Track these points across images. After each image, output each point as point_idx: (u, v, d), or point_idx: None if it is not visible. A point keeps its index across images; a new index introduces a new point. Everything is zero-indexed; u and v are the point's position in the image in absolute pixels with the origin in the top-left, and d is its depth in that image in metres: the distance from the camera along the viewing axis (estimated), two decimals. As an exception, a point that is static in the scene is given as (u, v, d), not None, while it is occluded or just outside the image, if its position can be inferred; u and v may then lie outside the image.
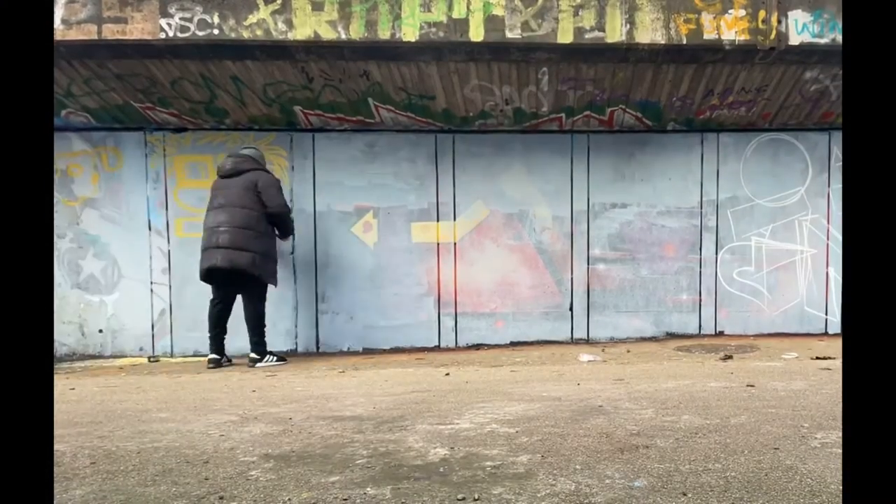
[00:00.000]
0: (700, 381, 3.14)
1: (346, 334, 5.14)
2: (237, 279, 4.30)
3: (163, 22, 3.92)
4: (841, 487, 1.48)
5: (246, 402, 2.85)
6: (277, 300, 4.91)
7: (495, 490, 1.51)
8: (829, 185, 5.18)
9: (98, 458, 1.90)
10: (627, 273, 5.21)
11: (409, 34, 3.96)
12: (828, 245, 5.21)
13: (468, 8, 3.95)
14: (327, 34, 3.96)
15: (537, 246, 5.19)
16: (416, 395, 2.92)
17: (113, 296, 5.06)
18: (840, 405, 2.40)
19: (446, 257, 5.15)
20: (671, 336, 5.21)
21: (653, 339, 5.18)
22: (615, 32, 4.00)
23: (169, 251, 5.04)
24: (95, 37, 3.92)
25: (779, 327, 5.21)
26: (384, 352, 5.04)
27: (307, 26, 3.95)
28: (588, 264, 5.20)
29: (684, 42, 4.02)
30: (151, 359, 4.93)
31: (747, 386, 2.93)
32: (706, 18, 4.00)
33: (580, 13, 3.98)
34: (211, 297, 4.40)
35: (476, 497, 1.46)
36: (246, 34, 3.95)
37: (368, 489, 1.54)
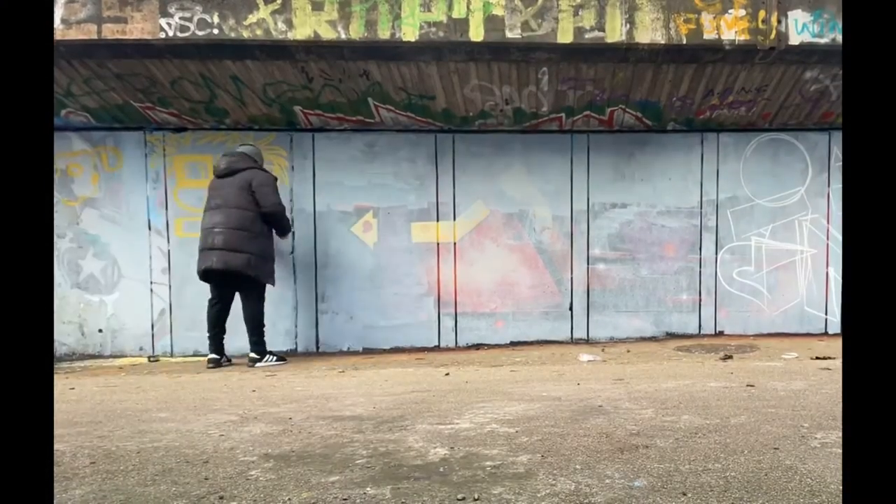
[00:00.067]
0: (700, 381, 3.14)
1: (346, 334, 5.13)
2: (233, 280, 4.31)
3: (163, 22, 3.92)
4: (841, 487, 1.48)
5: (246, 401, 2.85)
6: (277, 300, 4.91)
7: (495, 490, 1.51)
8: (829, 185, 5.18)
9: (98, 457, 1.90)
10: (627, 273, 5.21)
11: (409, 34, 3.96)
12: (828, 245, 5.21)
13: (468, 8, 3.95)
14: (327, 34, 3.96)
15: (537, 246, 5.19)
16: (416, 394, 2.93)
17: (113, 296, 5.06)
18: (840, 405, 2.40)
19: (446, 257, 5.15)
20: (671, 336, 5.21)
21: (653, 338, 5.18)
22: (615, 32, 4.00)
23: (169, 251, 5.04)
24: (95, 36, 3.92)
25: (779, 327, 5.21)
26: (384, 352, 5.04)
27: (307, 26, 3.95)
28: (588, 264, 5.20)
29: (684, 42, 4.02)
30: (151, 358, 4.93)
31: (747, 386, 2.93)
32: (706, 18, 4.00)
33: (580, 13, 3.98)
34: (210, 296, 4.41)
35: (476, 497, 1.46)
36: (246, 34, 3.95)
37: (368, 489, 1.54)
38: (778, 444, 1.88)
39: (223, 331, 4.40)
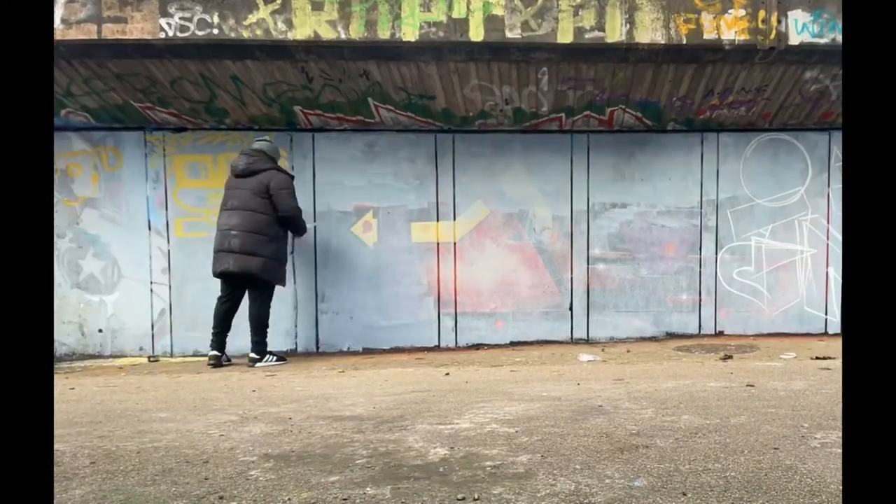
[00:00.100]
0: (700, 381, 3.14)
1: (346, 334, 5.13)
2: (248, 282, 4.36)
3: (162, 21, 3.92)
4: (841, 487, 1.48)
5: (246, 401, 2.85)
6: (277, 300, 4.90)
7: (495, 490, 1.51)
8: (828, 185, 5.18)
9: (98, 457, 1.90)
10: (627, 273, 5.21)
11: (409, 34, 3.96)
12: (828, 245, 5.21)
13: (468, 8, 3.95)
14: (327, 34, 3.96)
15: (537, 246, 5.19)
16: (416, 394, 2.93)
17: (113, 296, 5.06)
18: (840, 405, 2.41)
19: (446, 257, 5.15)
20: (671, 336, 5.21)
21: (653, 338, 5.18)
22: (615, 32, 4.00)
23: (169, 251, 5.04)
24: (95, 36, 3.92)
25: (779, 327, 5.21)
26: (384, 352, 5.04)
27: (307, 26, 3.95)
28: (588, 264, 5.20)
29: (684, 42, 4.02)
30: (151, 358, 4.93)
31: (747, 386, 2.93)
32: (706, 18, 4.00)
33: (580, 13, 3.98)
34: (219, 294, 4.42)
35: (476, 497, 1.46)
36: (246, 34, 3.95)
37: (368, 489, 1.54)
38: (778, 444, 1.88)
39: (228, 329, 4.41)
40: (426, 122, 4.96)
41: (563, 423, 2.23)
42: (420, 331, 5.15)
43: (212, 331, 4.38)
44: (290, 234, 4.67)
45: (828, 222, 5.20)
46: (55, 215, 4.93)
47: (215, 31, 3.94)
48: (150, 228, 5.03)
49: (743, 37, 4.02)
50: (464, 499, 1.45)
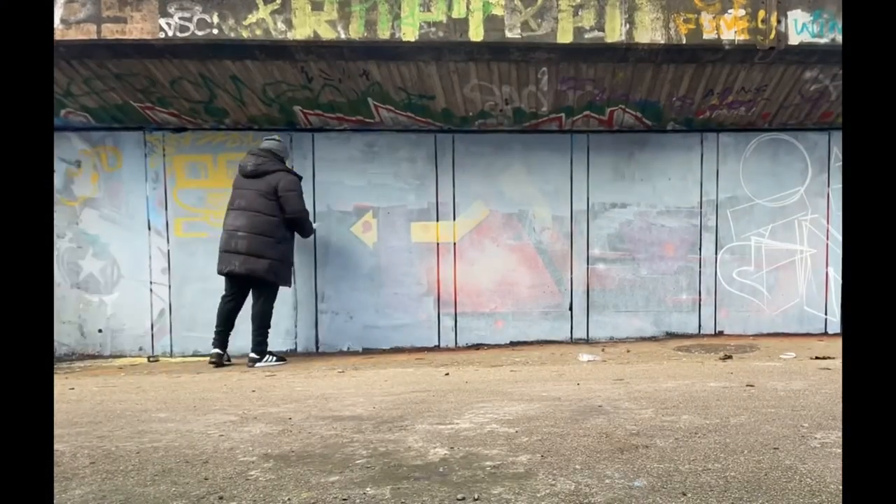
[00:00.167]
0: (700, 380, 3.14)
1: (346, 334, 5.13)
2: (253, 282, 4.38)
3: (162, 22, 3.91)
4: (841, 487, 1.48)
5: (245, 401, 2.85)
6: (277, 300, 4.90)
7: (495, 490, 1.51)
8: (828, 185, 5.18)
9: (97, 457, 1.90)
10: (627, 273, 5.21)
11: (409, 34, 3.96)
12: (827, 245, 5.21)
13: (468, 8, 3.95)
14: (327, 34, 3.96)
15: (537, 246, 5.19)
16: (416, 395, 2.92)
17: (112, 296, 5.05)
18: (840, 405, 2.41)
19: (446, 257, 5.15)
20: (671, 336, 5.21)
21: (652, 338, 5.18)
22: (615, 32, 4.00)
23: (168, 251, 5.04)
24: (95, 36, 3.92)
25: (778, 327, 5.21)
26: (384, 352, 5.04)
27: (307, 26, 3.95)
28: (588, 264, 5.20)
29: (684, 42, 4.02)
30: (151, 359, 4.93)
31: (747, 386, 2.93)
32: (706, 18, 4.00)
33: (580, 13, 3.98)
34: (223, 293, 4.42)
35: (476, 497, 1.46)
36: (245, 34, 3.95)
37: (368, 489, 1.54)
38: (778, 444, 1.88)
39: (231, 327, 4.42)
40: (426, 122, 4.96)
41: (563, 423, 2.23)
42: (420, 331, 5.15)
43: (214, 329, 4.38)
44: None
45: (827, 222, 5.20)
46: (55, 215, 4.93)
47: (215, 31, 3.93)
48: (149, 228, 5.03)
49: (743, 37, 4.02)
50: (464, 499, 1.45)
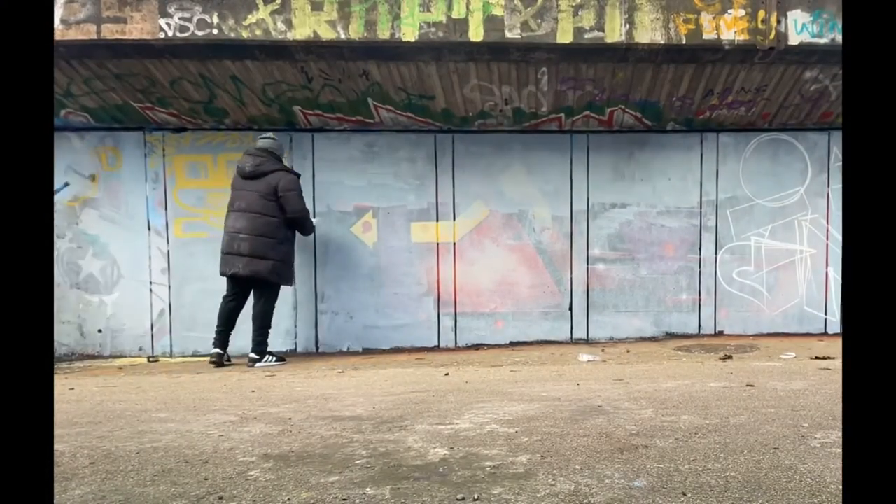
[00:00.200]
0: (700, 381, 3.14)
1: (346, 334, 5.13)
2: (256, 283, 4.39)
3: (162, 22, 3.91)
4: (841, 487, 1.48)
5: (245, 402, 2.85)
6: (277, 300, 4.90)
7: (495, 490, 1.51)
8: (828, 185, 5.18)
9: (97, 458, 1.90)
10: (627, 273, 5.21)
11: (409, 34, 3.96)
12: (827, 245, 5.21)
13: (468, 8, 3.95)
14: (327, 34, 3.96)
15: (537, 246, 5.19)
16: (416, 395, 2.92)
17: (112, 296, 5.05)
18: (840, 405, 2.41)
19: (446, 257, 5.15)
20: (671, 336, 5.21)
21: (652, 338, 5.18)
22: (614, 32, 4.00)
23: (168, 251, 5.04)
24: (95, 37, 3.92)
25: (778, 327, 5.21)
26: (384, 352, 5.04)
27: (306, 26, 3.95)
28: (588, 264, 5.20)
29: (684, 42, 4.02)
30: (151, 359, 4.92)
31: (747, 386, 2.93)
32: (705, 18, 4.00)
33: (580, 13, 3.98)
34: (225, 293, 4.42)
35: (476, 497, 1.46)
36: (245, 34, 3.95)
37: (368, 489, 1.54)
38: (778, 444, 1.88)
39: (232, 327, 4.42)
40: (426, 122, 4.96)
41: (563, 423, 2.23)
42: (420, 331, 5.15)
43: (215, 329, 4.38)
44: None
45: (827, 222, 5.20)
46: (55, 215, 4.93)
47: (215, 32, 3.94)
48: (149, 228, 5.03)
49: (742, 37, 4.02)
50: (463, 499, 1.45)
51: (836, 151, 5.17)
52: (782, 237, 5.20)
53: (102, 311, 5.06)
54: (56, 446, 2.02)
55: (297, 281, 5.06)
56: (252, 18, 3.93)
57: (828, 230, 5.20)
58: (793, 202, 5.18)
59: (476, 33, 3.97)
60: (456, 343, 5.17)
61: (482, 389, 3.04)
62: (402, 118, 4.90)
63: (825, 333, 5.20)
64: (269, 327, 4.45)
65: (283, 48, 4.04)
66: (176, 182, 5.02)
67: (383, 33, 3.96)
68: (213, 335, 4.38)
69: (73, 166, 4.94)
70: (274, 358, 4.44)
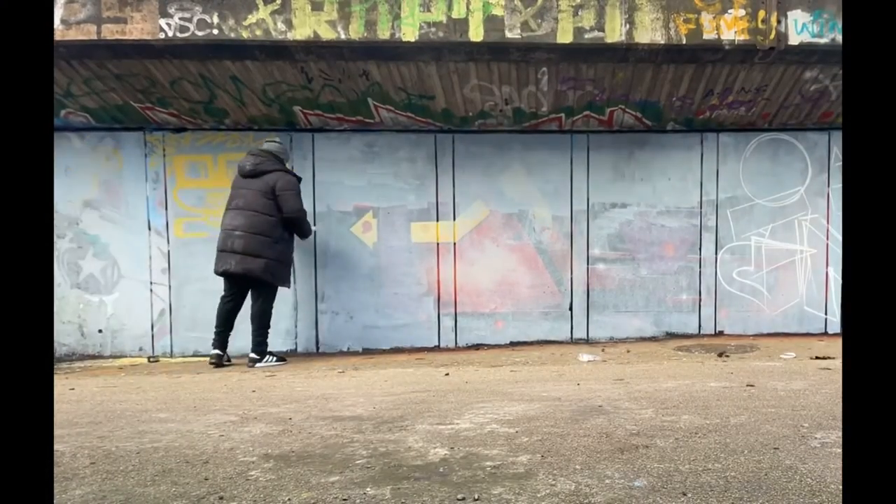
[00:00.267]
0: (700, 380, 3.14)
1: (346, 334, 5.13)
2: (250, 282, 4.37)
3: (162, 22, 3.92)
4: (841, 487, 1.48)
5: (245, 402, 2.85)
6: (277, 300, 4.89)
7: (495, 490, 1.51)
8: (828, 185, 5.18)
9: (97, 458, 1.90)
10: (627, 273, 5.21)
11: (409, 34, 3.96)
12: (827, 245, 5.21)
13: (468, 8, 3.95)
14: (327, 34, 3.96)
15: (537, 246, 5.19)
16: (416, 395, 2.92)
17: (112, 296, 5.05)
18: (840, 405, 2.41)
19: (446, 257, 5.15)
20: (671, 336, 5.21)
21: (653, 338, 5.18)
22: (615, 32, 4.00)
23: (168, 251, 5.04)
24: (95, 37, 3.92)
25: (778, 327, 5.21)
26: (384, 352, 5.04)
27: (306, 26, 3.95)
28: (588, 264, 5.20)
29: (684, 42, 4.02)
30: (151, 359, 4.93)
31: (747, 386, 2.93)
32: (706, 18, 4.00)
33: (580, 13, 3.98)
34: (223, 293, 4.42)
35: (476, 497, 1.46)
36: (245, 34, 3.95)
37: (368, 489, 1.54)
38: (778, 444, 1.88)
39: (231, 328, 4.42)
40: (426, 122, 4.96)
41: (563, 423, 2.23)
42: (420, 331, 5.15)
43: (214, 330, 4.38)
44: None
45: (827, 222, 5.20)
46: (55, 215, 4.93)
47: (215, 32, 3.94)
48: (149, 228, 5.03)
49: (743, 37, 4.02)
50: (464, 499, 1.45)
51: (837, 151, 5.17)
52: (782, 237, 5.20)
53: (103, 312, 5.06)
54: (56, 446, 2.02)
55: (297, 281, 5.07)
56: (252, 18, 3.93)
57: (828, 230, 5.20)
58: (793, 202, 5.18)
59: (476, 33, 3.97)
60: (456, 343, 5.17)
61: (482, 389, 3.04)
62: (402, 118, 4.90)
63: (825, 333, 5.20)
64: (269, 327, 4.45)
65: (284, 48, 4.04)
66: (176, 182, 5.02)
67: (383, 33, 3.96)
68: (213, 336, 4.38)
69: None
70: (274, 358, 4.44)
